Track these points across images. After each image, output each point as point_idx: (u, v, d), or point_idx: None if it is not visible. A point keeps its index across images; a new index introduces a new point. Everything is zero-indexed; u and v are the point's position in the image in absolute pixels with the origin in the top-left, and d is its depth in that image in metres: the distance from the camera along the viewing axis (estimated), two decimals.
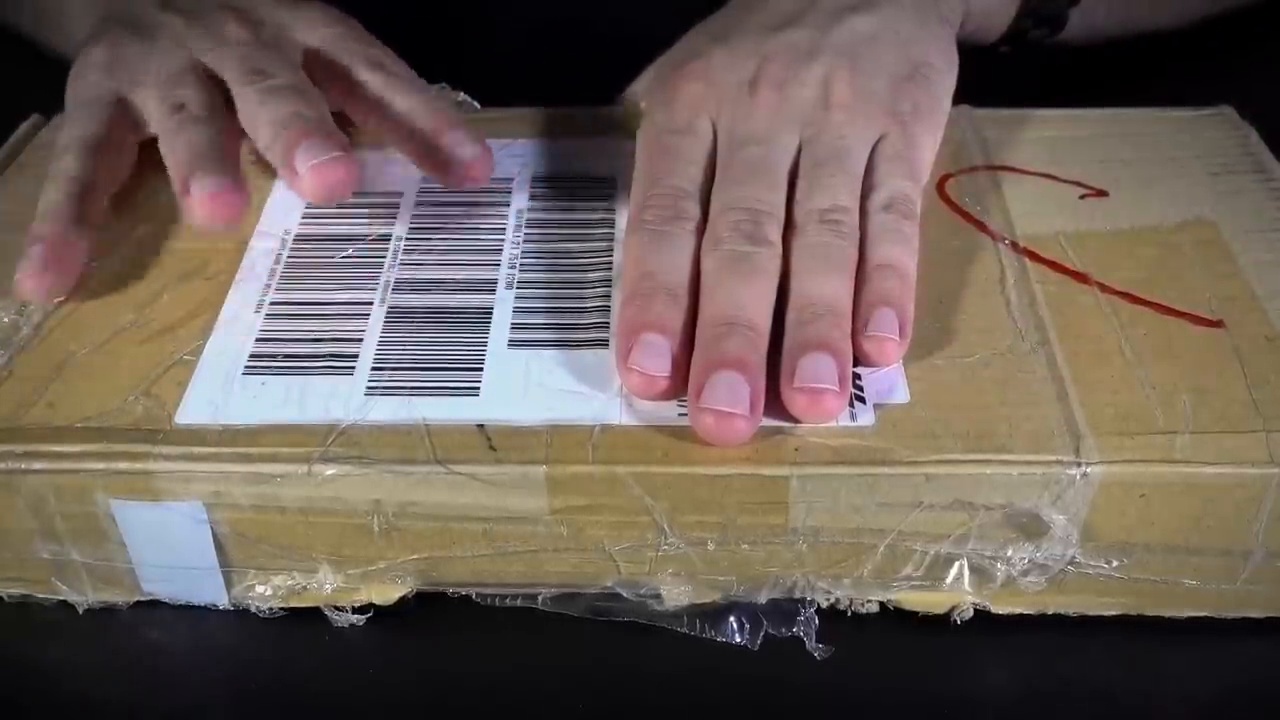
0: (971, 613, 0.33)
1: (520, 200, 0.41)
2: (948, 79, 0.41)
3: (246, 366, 0.34)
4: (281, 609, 0.34)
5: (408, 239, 0.39)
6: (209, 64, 0.40)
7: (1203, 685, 0.33)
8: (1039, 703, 0.33)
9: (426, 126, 0.40)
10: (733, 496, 0.31)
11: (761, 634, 0.33)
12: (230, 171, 0.36)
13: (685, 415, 0.32)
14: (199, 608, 0.34)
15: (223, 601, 0.34)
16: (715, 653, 0.33)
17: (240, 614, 0.34)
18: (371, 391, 0.33)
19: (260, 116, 0.38)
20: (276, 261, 0.38)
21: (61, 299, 0.37)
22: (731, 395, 0.31)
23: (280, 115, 0.37)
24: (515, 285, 0.37)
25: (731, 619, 0.33)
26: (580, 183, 0.42)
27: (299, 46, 0.42)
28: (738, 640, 0.33)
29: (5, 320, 0.36)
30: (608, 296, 0.37)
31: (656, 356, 0.32)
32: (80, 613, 0.34)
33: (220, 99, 0.39)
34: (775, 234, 0.36)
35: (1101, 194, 0.40)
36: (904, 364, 0.34)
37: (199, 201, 0.35)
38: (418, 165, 0.41)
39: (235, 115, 0.39)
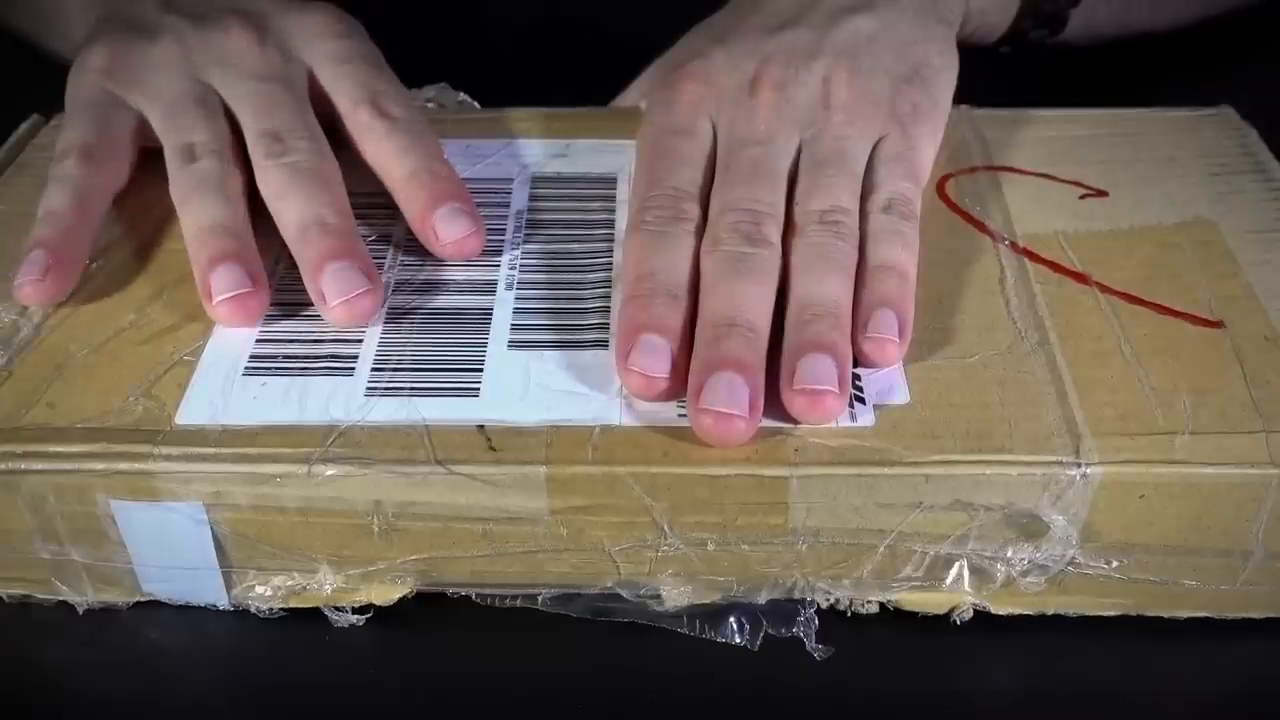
0: (971, 613, 0.33)
1: (520, 200, 0.41)
2: (948, 79, 0.41)
3: (246, 367, 0.34)
4: (281, 609, 0.34)
5: (407, 239, 0.39)
6: (215, 85, 0.40)
7: (1203, 685, 0.33)
8: (1039, 703, 0.33)
9: (420, 201, 0.38)
10: (733, 497, 0.31)
11: (761, 634, 0.33)
12: (247, 260, 0.36)
13: (685, 415, 0.32)
14: (199, 608, 0.34)
15: (223, 601, 0.34)
16: (715, 653, 0.33)
17: (240, 614, 0.34)
18: (371, 392, 0.33)
19: (284, 211, 0.37)
20: (276, 262, 0.38)
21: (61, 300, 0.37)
22: (731, 396, 0.31)
23: (304, 216, 0.36)
24: (515, 286, 0.37)
25: (731, 619, 0.33)
26: (580, 183, 0.42)
27: (304, 69, 0.41)
28: (738, 640, 0.33)
29: (5, 320, 0.36)
30: (608, 297, 0.37)
31: (656, 357, 0.32)
32: (80, 613, 0.34)
33: (227, 130, 0.39)
34: (775, 235, 0.36)
35: (1101, 194, 0.40)
36: (904, 364, 0.34)
37: (218, 305, 0.35)
38: (409, 223, 0.39)
39: (245, 146, 0.39)
